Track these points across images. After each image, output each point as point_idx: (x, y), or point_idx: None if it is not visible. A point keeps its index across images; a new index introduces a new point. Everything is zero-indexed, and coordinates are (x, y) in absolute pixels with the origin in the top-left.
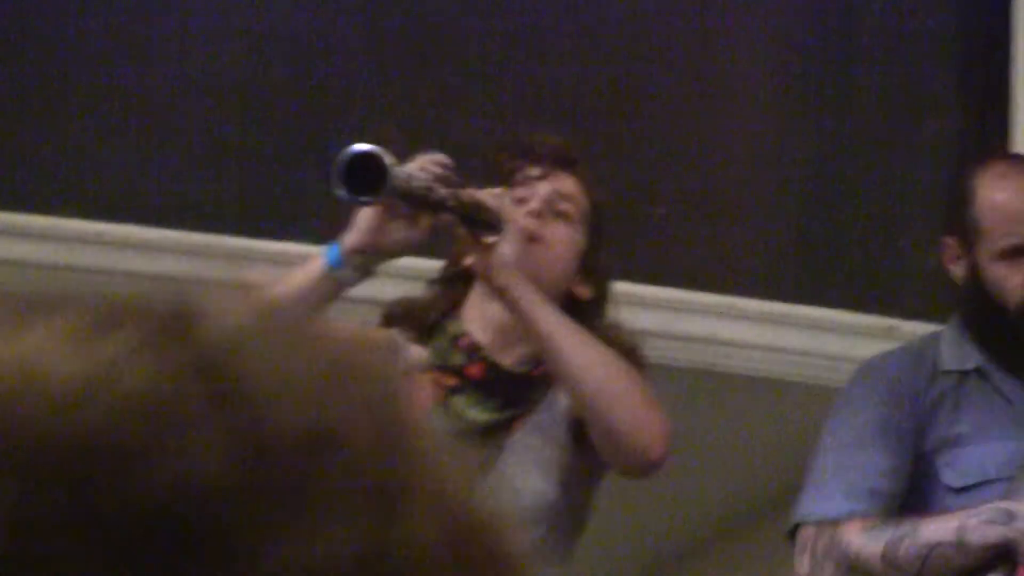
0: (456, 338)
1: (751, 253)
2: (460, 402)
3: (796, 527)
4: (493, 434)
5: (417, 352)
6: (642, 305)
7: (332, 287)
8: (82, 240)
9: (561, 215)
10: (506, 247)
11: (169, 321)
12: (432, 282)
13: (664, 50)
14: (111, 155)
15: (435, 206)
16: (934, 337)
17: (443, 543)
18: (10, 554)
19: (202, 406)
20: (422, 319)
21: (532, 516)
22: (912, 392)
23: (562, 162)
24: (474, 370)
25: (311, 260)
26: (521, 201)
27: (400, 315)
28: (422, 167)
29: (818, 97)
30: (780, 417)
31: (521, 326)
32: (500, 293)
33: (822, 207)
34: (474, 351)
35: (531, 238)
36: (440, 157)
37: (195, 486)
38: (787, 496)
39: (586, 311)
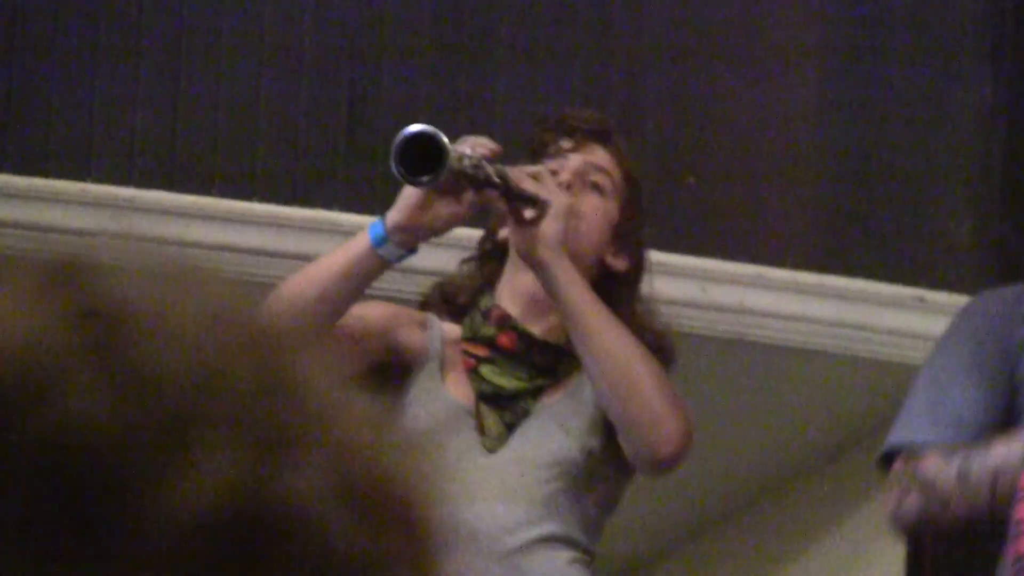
0: (487, 310)
1: (781, 223)
2: (489, 371)
3: (885, 458)
4: (520, 401)
5: (449, 328)
6: (672, 274)
7: (376, 264)
8: (114, 206)
9: (594, 187)
10: (549, 224)
11: (57, 272)
12: (467, 260)
13: (699, 21)
14: (145, 121)
15: (482, 183)
16: None
17: (337, 495)
18: None
19: (83, 351)
20: (457, 300)
21: (550, 470)
22: (1005, 331)
23: (595, 135)
24: (505, 340)
25: (355, 237)
26: (553, 173)
27: (437, 299)
28: (473, 145)
29: (850, 68)
30: (809, 386)
31: (555, 304)
32: (538, 269)
33: (852, 177)
34: (504, 321)
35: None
36: (488, 142)
37: (77, 429)
38: (816, 464)
39: (620, 284)
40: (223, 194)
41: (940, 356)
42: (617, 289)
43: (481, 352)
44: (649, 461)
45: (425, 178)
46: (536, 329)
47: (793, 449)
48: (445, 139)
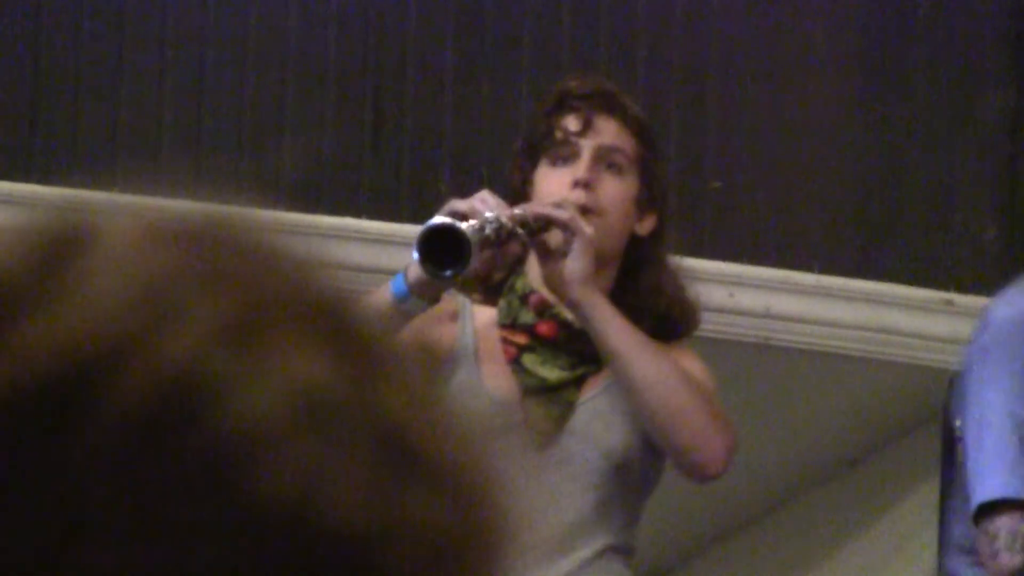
0: (525, 296)
1: (808, 227)
2: (531, 360)
3: (984, 507)
4: (565, 392)
5: (482, 312)
6: (698, 279)
7: (401, 318)
8: None
9: (610, 168)
10: (576, 262)
11: (58, 239)
12: (492, 241)
13: (724, 26)
14: (170, 132)
15: (505, 240)
16: None
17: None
18: None
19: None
20: (488, 280)
21: (602, 473)
22: None
23: (602, 107)
24: (544, 328)
25: (377, 293)
26: (565, 160)
27: (468, 280)
28: (482, 201)
29: (876, 72)
30: (836, 391)
31: (591, 337)
32: (572, 307)
33: (879, 181)
34: (544, 309)
35: (584, 210)
36: (489, 197)
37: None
38: (843, 469)
39: (647, 244)
40: (249, 203)
41: (1011, 388)
42: (645, 250)
43: (521, 340)
44: (696, 478)
45: (449, 272)
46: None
47: (820, 453)
48: (464, 230)
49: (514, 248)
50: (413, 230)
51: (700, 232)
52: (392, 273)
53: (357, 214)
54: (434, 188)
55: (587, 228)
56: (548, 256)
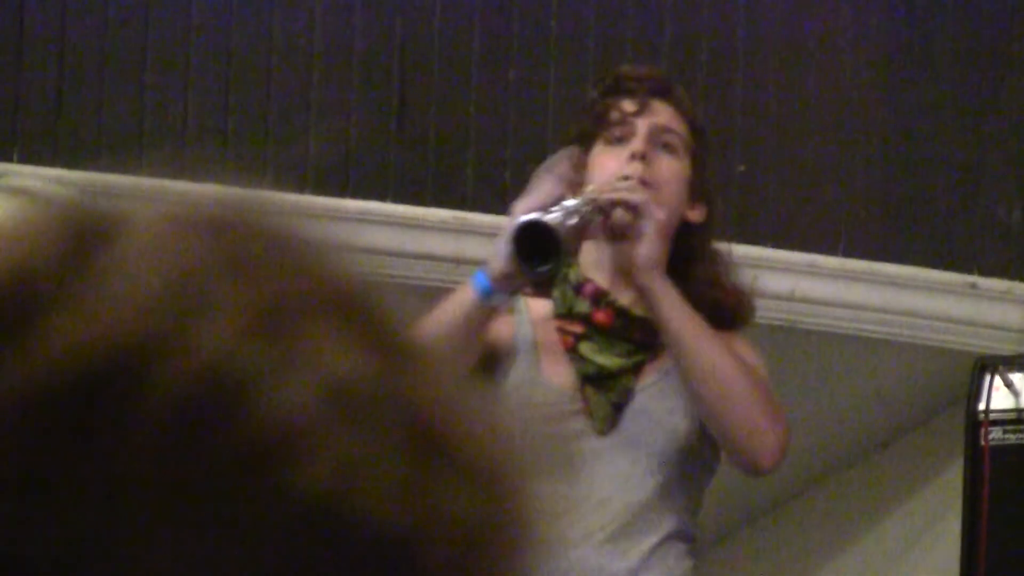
0: (579, 285)
1: (832, 210)
2: (588, 348)
3: None
4: (622, 379)
5: (536, 305)
6: None
7: (488, 313)
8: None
9: (665, 147)
10: (647, 246)
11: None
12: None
13: (748, 9)
14: (197, 116)
15: (584, 228)
16: None
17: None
18: None
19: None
20: None
21: (663, 456)
22: None
23: (656, 91)
24: (601, 316)
25: (459, 291)
26: (620, 139)
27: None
28: (560, 170)
29: (901, 55)
30: (861, 374)
31: (656, 322)
32: (638, 291)
33: (903, 164)
34: (599, 297)
35: (641, 183)
36: (567, 156)
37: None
38: (869, 451)
39: (697, 233)
40: (275, 187)
41: None
42: (695, 239)
43: (577, 329)
44: (749, 470)
45: (545, 268)
46: (626, 299)
47: (845, 436)
48: (554, 225)
49: (591, 234)
50: (438, 214)
51: (725, 215)
52: (417, 257)
53: (383, 198)
54: (460, 172)
55: (659, 212)
56: (618, 239)
